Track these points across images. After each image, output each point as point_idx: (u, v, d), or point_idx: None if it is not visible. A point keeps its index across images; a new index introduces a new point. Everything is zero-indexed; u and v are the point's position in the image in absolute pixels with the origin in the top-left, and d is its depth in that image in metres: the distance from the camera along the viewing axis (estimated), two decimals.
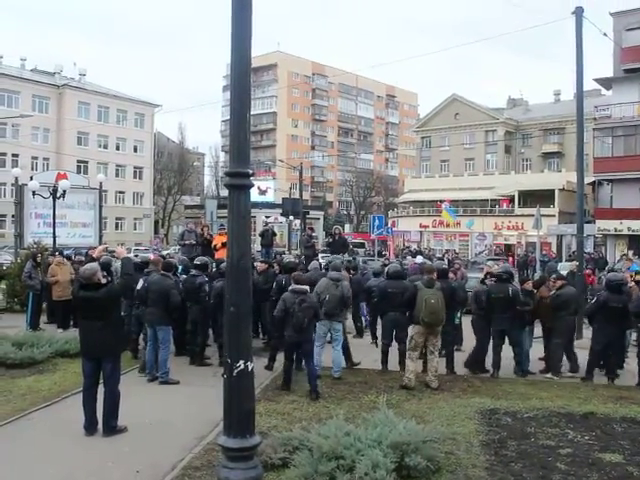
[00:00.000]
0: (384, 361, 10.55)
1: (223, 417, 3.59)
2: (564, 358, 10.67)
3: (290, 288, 9.33)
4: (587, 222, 30.78)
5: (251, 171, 3.60)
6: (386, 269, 12.31)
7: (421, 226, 54.71)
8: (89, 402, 7.04)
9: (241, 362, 3.48)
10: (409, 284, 10.39)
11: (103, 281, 7.25)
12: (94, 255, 8.96)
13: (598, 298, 10.31)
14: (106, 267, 13.20)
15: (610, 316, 9.91)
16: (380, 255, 31.06)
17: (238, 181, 3.56)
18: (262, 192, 63.49)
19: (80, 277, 7.11)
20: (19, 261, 17.16)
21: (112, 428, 6.98)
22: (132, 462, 6.14)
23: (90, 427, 6.99)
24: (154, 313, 9.59)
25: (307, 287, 9.33)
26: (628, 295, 10.50)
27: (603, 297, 10.16)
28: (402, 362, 10.10)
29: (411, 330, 9.77)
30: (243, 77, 3.52)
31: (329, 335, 10.20)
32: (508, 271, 11.00)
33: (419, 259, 20.89)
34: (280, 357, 9.80)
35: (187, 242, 15.74)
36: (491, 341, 10.55)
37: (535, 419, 7.49)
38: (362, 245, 52.71)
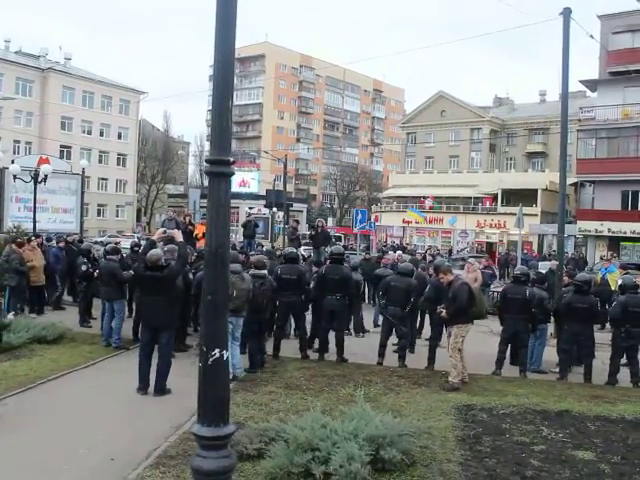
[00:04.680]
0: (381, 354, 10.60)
1: (197, 405, 3.57)
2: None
3: (250, 272, 9.66)
4: (568, 222, 31.10)
5: (232, 159, 3.56)
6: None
7: (404, 222, 54.84)
8: (144, 365, 8.22)
9: (217, 351, 3.46)
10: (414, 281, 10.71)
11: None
12: (154, 237, 9.95)
13: (563, 299, 10.41)
14: (86, 253, 13.32)
15: (575, 316, 10.01)
16: (366, 249, 30.99)
17: (219, 169, 3.52)
18: (243, 184, 63.06)
19: (147, 260, 8.33)
20: None
21: (162, 388, 8.15)
22: (106, 450, 6.10)
23: (143, 387, 8.16)
24: (108, 290, 11.23)
25: (265, 271, 9.97)
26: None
27: (567, 298, 10.32)
28: (402, 357, 10.48)
29: (461, 330, 9.40)
30: (227, 64, 3.47)
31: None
32: (526, 273, 10.76)
33: (399, 254, 20.83)
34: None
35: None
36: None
37: (510, 416, 7.53)
38: (339, 239, 52.30)
